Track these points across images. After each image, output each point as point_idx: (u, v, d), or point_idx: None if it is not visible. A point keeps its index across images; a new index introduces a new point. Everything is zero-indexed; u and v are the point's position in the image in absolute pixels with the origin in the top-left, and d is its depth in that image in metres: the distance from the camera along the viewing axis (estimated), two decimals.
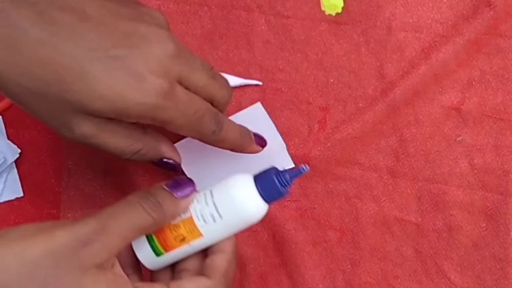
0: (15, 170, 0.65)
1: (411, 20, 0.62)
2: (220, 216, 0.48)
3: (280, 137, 0.61)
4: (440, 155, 0.61)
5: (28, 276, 0.40)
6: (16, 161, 0.65)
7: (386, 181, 0.62)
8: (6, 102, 0.65)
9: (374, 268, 0.62)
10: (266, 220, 0.62)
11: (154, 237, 0.48)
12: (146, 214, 0.45)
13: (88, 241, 0.42)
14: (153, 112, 0.45)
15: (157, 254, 0.49)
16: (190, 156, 0.56)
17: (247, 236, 0.63)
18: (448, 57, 0.61)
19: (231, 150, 0.53)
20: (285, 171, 0.50)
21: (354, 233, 0.62)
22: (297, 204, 0.63)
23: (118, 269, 0.45)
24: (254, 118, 0.59)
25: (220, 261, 0.49)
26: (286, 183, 0.49)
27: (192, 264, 0.50)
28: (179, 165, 0.54)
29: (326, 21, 0.62)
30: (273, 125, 0.61)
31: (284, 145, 0.61)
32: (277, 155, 0.61)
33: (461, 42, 0.61)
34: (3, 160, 0.63)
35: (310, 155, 0.62)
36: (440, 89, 0.61)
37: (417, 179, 0.62)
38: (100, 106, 0.43)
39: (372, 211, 0.62)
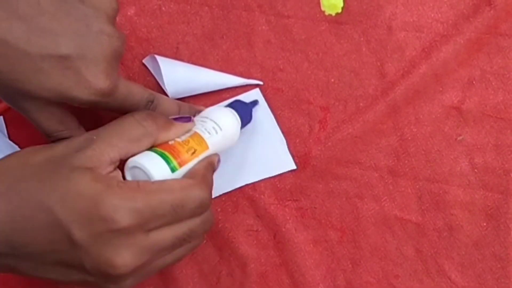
0: None
1: (411, 20, 0.62)
2: (220, 128, 0.55)
3: (279, 129, 0.63)
4: (440, 155, 0.61)
5: (28, 175, 0.44)
6: None
7: (386, 180, 0.62)
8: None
9: (375, 267, 0.62)
10: (266, 220, 0.63)
11: (167, 154, 0.49)
12: (136, 123, 0.47)
13: (80, 148, 0.45)
14: (94, 105, 0.49)
15: (172, 170, 0.49)
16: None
17: (247, 235, 0.63)
18: (448, 57, 0.61)
19: None
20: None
21: (355, 233, 0.62)
22: (298, 204, 0.63)
23: (114, 174, 0.46)
24: None
25: (198, 166, 0.51)
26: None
27: None
28: None
29: (327, 21, 0.63)
30: (270, 112, 0.63)
31: (284, 140, 0.63)
32: (274, 145, 0.63)
33: (462, 42, 0.61)
34: None
35: (310, 155, 0.62)
36: (441, 89, 0.61)
37: (417, 179, 0.62)
38: (47, 96, 0.47)
39: (372, 211, 0.62)
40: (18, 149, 0.64)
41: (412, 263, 0.62)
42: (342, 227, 0.62)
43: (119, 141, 0.46)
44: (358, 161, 0.62)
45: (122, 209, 0.42)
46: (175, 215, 0.45)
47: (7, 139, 0.65)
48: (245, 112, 0.59)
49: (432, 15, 0.62)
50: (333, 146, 0.62)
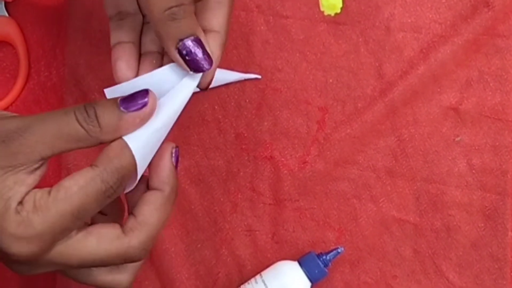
0: None
1: (409, 20, 0.62)
2: None
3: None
4: (438, 155, 0.61)
5: None
6: None
7: (384, 181, 0.62)
8: (5, 102, 0.65)
9: (373, 268, 0.62)
10: (265, 221, 0.63)
11: None
12: (77, 124, 0.40)
13: (6, 139, 0.39)
14: None
15: None
16: None
17: (245, 236, 0.63)
18: (446, 57, 0.61)
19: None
20: (325, 254, 0.60)
21: (353, 233, 0.62)
22: (296, 205, 0.63)
23: (35, 176, 0.41)
24: None
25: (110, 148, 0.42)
26: (327, 264, 0.60)
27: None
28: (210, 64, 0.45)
29: (325, 21, 0.63)
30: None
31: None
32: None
33: (460, 43, 0.61)
34: None
35: (309, 155, 0.62)
36: (439, 89, 0.62)
37: (415, 179, 0.62)
38: None
39: (370, 211, 0.62)
40: None
41: (410, 264, 0.62)
42: (340, 228, 0.62)
43: (54, 140, 0.40)
44: (356, 161, 0.62)
45: (18, 241, 0.39)
46: (79, 222, 0.41)
47: None
48: (319, 268, 0.60)
49: (430, 16, 0.62)
50: (331, 147, 0.62)
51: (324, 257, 0.60)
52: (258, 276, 0.60)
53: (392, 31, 0.62)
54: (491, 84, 0.61)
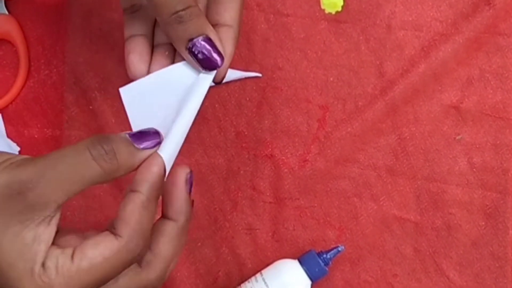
0: None
1: (410, 19, 0.62)
2: None
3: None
4: (439, 154, 0.61)
5: None
6: None
7: (385, 179, 0.62)
8: (5, 100, 0.65)
9: (373, 266, 0.62)
10: (265, 219, 0.63)
11: None
12: (93, 162, 0.39)
13: (21, 191, 0.38)
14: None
15: None
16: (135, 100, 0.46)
17: (245, 234, 0.63)
18: (447, 56, 0.61)
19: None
20: (325, 252, 0.60)
21: (353, 232, 0.62)
22: (296, 203, 0.63)
23: (51, 227, 0.39)
24: None
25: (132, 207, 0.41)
26: (328, 262, 0.60)
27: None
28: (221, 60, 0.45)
29: (326, 19, 0.62)
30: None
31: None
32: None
33: (461, 41, 0.61)
34: None
35: (309, 154, 0.62)
36: (440, 88, 0.61)
37: (416, 178, 0.62)
38: None
39: (371, 210, 0.62)
40: (16, 147, 0.64)
41: (410, 262, 0.62)
42: (341, 226, 0.62)
43: (70, 185, 0.38)
44: (357, 160, 0.62)
45: None
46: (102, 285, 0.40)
47: (6, 137, 0.64)
48: (319, 266, 0.60)
49: (431, 14, 0.62)
50: (332, 145, 0.62)
51: (324, 255, 0.60)
52: (258, 275, 0.60)
53: (393, 29, 0.62)
54: (492, 83, 0.61)
